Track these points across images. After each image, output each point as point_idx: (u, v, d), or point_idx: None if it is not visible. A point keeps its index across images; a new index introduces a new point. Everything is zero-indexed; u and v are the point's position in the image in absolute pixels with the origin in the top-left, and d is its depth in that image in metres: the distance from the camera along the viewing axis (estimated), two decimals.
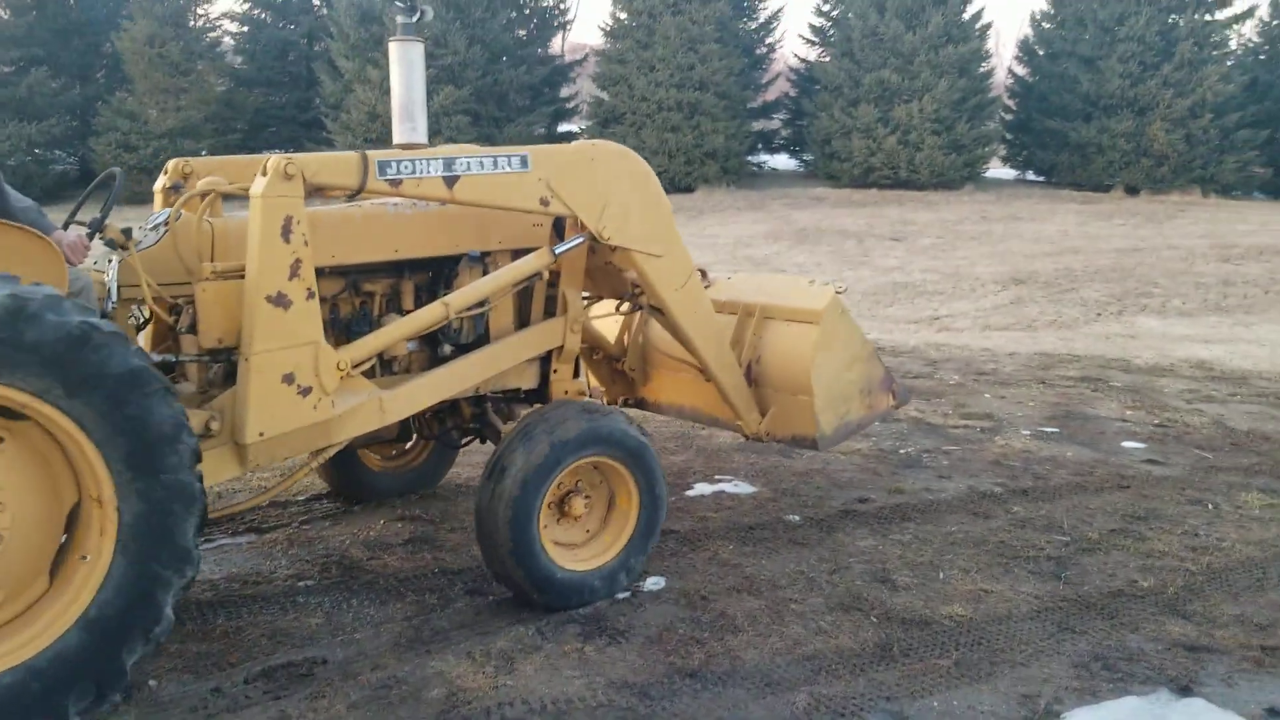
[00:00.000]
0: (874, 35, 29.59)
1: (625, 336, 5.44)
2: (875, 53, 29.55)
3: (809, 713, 3.50)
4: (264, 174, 3.63)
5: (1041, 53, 32.53)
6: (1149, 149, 28.94)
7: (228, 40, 33.29)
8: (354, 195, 3.86)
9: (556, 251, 4.47)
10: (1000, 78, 34.83)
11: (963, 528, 5.32)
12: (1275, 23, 32.28)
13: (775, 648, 3.98)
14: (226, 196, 4.07)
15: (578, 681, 3.67)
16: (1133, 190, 29.18)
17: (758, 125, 33.98)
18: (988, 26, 30.59)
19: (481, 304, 4.34)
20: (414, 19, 4.32)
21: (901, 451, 6.69)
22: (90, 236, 3.72)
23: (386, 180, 3.79)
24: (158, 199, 4.42)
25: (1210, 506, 5.73)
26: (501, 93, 28.10)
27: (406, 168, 3.82)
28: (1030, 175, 33.39)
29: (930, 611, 4.32)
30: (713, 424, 5.22)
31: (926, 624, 4.20)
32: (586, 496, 4.36)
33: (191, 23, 30.47)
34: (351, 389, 3.92)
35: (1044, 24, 32.56)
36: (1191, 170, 28.95)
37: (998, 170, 34.05)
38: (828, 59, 32.24)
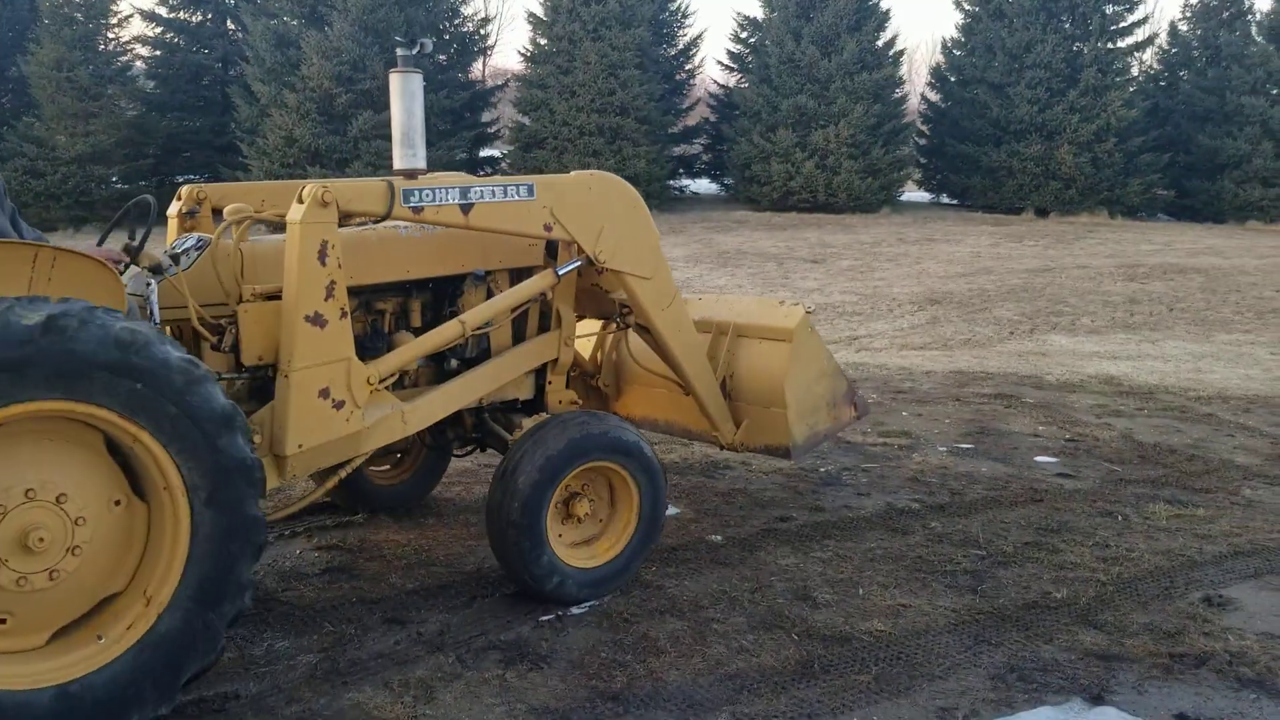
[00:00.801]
0: (791, 62, 30.09)
1: (599, 354, 5.76)
2: (792, 79, 30.04)
3: None
4: (300, 201, 3.88)
5: (953, 79, 33.35)
6: (1057, 172, 29.81)
7: (139, 64, 32.60)
8: (379, 220, 4.17)
9: (560, 272, 4.79)
10: (914, 103, 35.66)
11: (881, 544, 5.38)
12: (1174, 50, 33.57)
13: (698, 668, 3.98)
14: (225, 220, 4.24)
15: (498, 709, 3.63)
16: (1042, 212, 30.01)
17: (678, 150, 34.30)
18: (901, 53, 31.36)
19: (490, 322, 4.66)
20: (414, 52, 4.53)
21: (821, 470, 6.75)
22: (131, 260, 3.81)
23: (410, 207, 4.10)
24: (173, 224, 4.59)
25: (1120, 518, 5.88)
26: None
27: (428, 196, 4.15)
28: (945, 198, 34.17)
29: (850, 628, 4.35)
30: (685, 435, 5.56)
31: (847, 640, 4.24)
32: (591, 499, 4.63)
33: (101, 46, 29.80)
34: (378, 402, 4.18)
35: (955, 51, 33.41)
36: (1098, 193, 29.87)
37: (913, 194, 34.80)
38: (746, 85, 32.70)
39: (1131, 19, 31.42)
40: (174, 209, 4.63)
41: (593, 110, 29.17)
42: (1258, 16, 31.83)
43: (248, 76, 28.51)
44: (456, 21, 31.41)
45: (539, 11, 30.72)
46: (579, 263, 4.80)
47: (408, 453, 5.81)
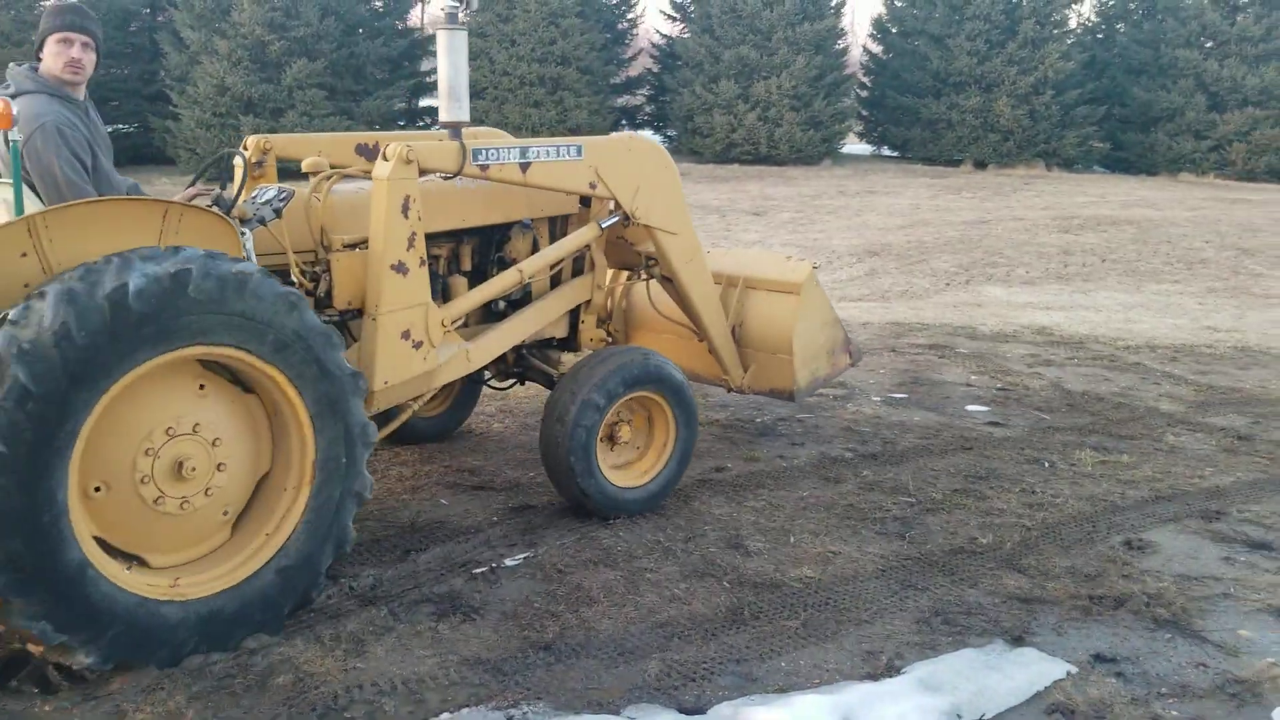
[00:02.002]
0: (733, 12, 29.88)
1: (609, 302, 6.02)
2: (734, 29, 29.85)
3: (660, 678, 3.55)
4: (386, 159, 4.25)
5: (894, 31, 33.36)
6: (995, 125, 30.02)
7: None
8: (450, 176, 4.62)
9: (603, 226, 5.27)
10: (856, 55, 35.63)
11: (814, 492, 5.45)
12: (1111, 3, 33.82)
13: (629, 617, 4.02)
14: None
15: (430, 660, 3.64)
16: (981, 164, 30.27)
17: (621, 101, 33.98)
18: (842, 4, 31.23)
19: (546, 267, 5.17)
20: (460, 9, 4.84)
21: (757, 420, 6.81)
22: (227, 213, 3.90)
23: (478, 165, 4.55)
24: (238, 173, 4.73)
25: (1047, 465, 6.01)
26: (358, 66, 27.33)
27: (493, 155, 4.59)
28: (885, 150, 34.31)
29: (780, 575, 4.42)
30: (693, 379, 5.81)
31: (777, 587, 4.30)
32: (632, 426, 5.11)
33: None
34: (448, 342, 4.63)
35: (896, 2, 33.38)
36: (1035, 145, 30.16)
37: (854, 146, 34.89)
38: (688, 35, 32.42)
39: None
40: (239, 160, 4.78)
41: (533, 60, 28.77)
42: None
43: (177, 23, 27.64)
44: None
45: None
46: (619, 218, 5.25)
47: (447, 386, 5.85)
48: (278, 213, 4.16)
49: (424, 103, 31.41)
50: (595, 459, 4.84)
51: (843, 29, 31.88)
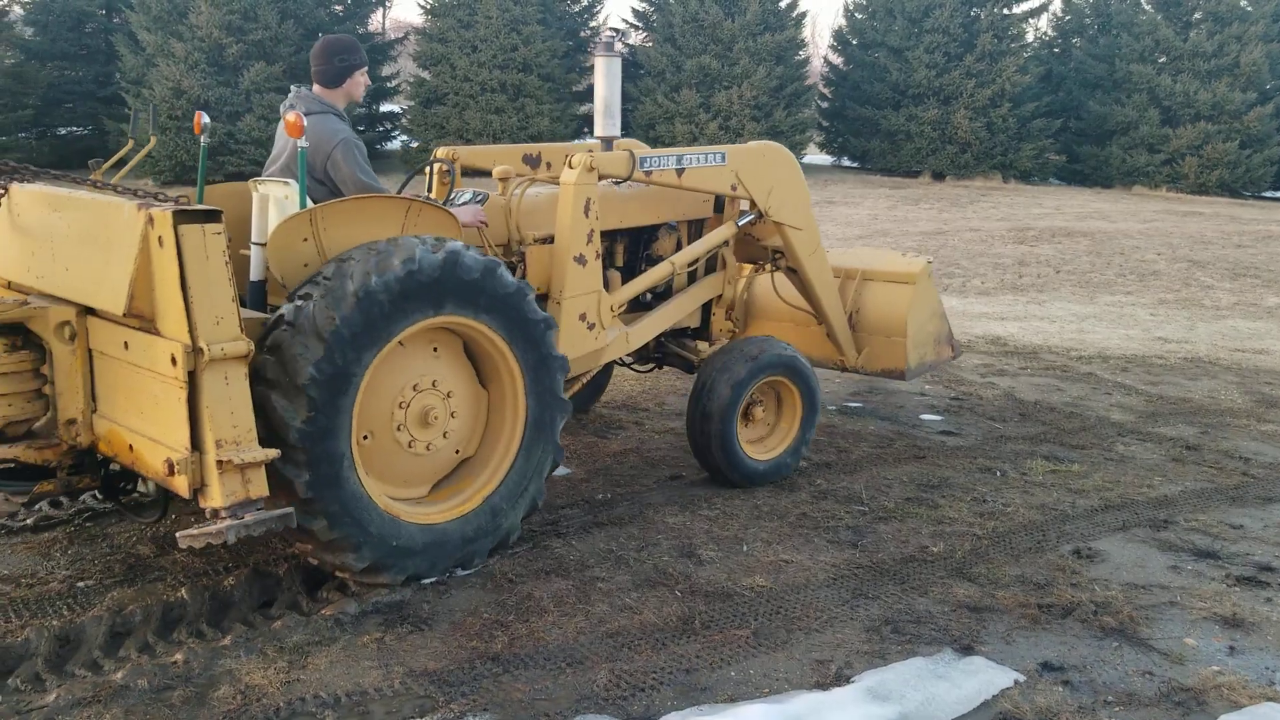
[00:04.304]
0: (695, 21, 29.95)
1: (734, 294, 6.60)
2: (696, 39, 29.92)
3: (608, 689, 3.52)
4: (571, 167, 4.95)
5: (855, 42, 33.58)
6: (953, 136, 30.27)
7: (17, 10, 30.97)
8: (619, 181, 5.36)
9: (740, 224, 5.92)
10: (817, 66, 35.83)
11: (768, 501, 5.45)
12: (1068, 17, 34.26)
13: (580, 627, 3.98)
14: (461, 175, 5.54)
15: (375, 672, 3.59)
16: (939, 176, 30.51)
17: (584, 108, 33.95)
18: (803, 15, 31.40)
19: (693, 261, 5.82)
20: (617, 38, 5.84)
21: None
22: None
23: (644, 170, 5.24)
24: (438, 179, 5.67)
25: (998, 474, 6.05)
26: None
27: (656, 162, 5.28)
28: (846, 161, 34.51)
29: (732, 584, 4.40)
30: (809, 362, 6.35)
31: (728, 596, 4.29)
32: (764, 406, 5.73)
33: None
34: (612, 325, 5.32)
35: (857, 14, 33.62)
36: (993, 157, 30.44)
37: (814, 156, 35.04)
38: (650, 44, 32.47)
39: None
40: (432, 169, 5.68)
41: (495, 66, 28.65)
42: None
43: (133, 24, 27.27)
44: None
45: None
46: (754, 216, 5.89)
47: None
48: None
49: (384, 108, 31.25)
50: (735, 434, 5.50)
51: (803, 40, 32.04)
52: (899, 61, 30.97)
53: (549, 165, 6.07)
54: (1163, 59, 30.54)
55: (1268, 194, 30.31)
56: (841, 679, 3.65)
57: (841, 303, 6.34)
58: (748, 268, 6.58)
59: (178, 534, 3.52)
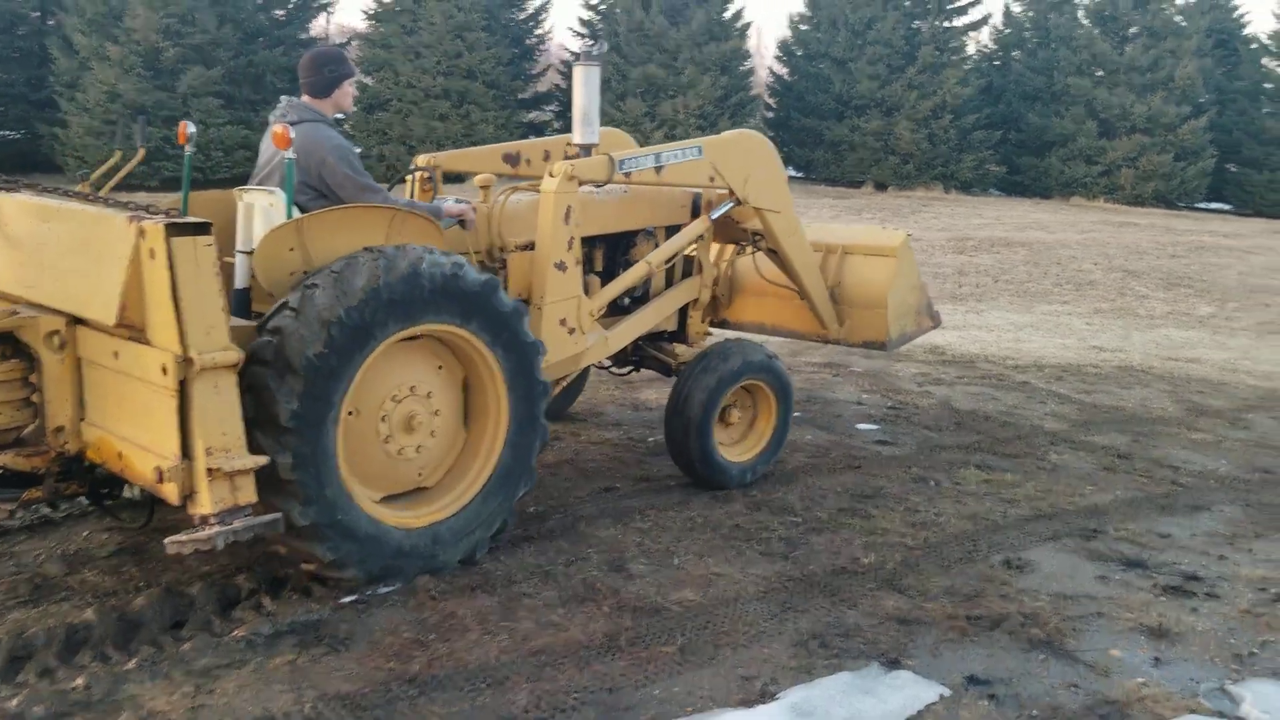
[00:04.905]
0: (640, 30, 29.98)
1: (717, 271, 6.76)
2: (641, 48, 29.93)
3: (528, 710, 3.44)
4: (552, 175, 5.06)
5: (799, 53, 33.79)
6: (896, 147, 30.55)
7: None
8: (599, 185, 5.36)
9: (713, 217, 6.03)
10: (762, 77, 36.02)
11: (702, 513, 5.39)
12: (1008, 31, 34.77)
13: (502, 645, 3.89)
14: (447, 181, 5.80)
15: (286, 696, 3.46)
16: (881, 186, 30.75)
17: (529, 116, 33.79)
18: (748, 26, 31.53)
19: (669, 260, 5.90)
20: (595, 49, 6.06)
21: (650, 440, 6.73)
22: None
23: (623, 172, 5.31)
24: (411, 188, 5.87)
25: (932, 484, 6.04)
26: (257, 75, 26.65)
27: (634, 163, 5.37)
28: (791, 171, 34.69)
29: (661, 598, 4.34)
30: (789, 336, 6.85)
31: (657, 611, 4.21)
32: (739, 409, 5.88)
33: None
34: (592, 330, 5.39)
35: (801, 25, 33.85)
36: (934, 168, 30.75)
37: None
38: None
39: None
40: (412, 176, 5.87)
41: (439, 72, 28.43)
42: (1085, 1, 33.22)
43: (67, 27, 26.68)
44: None
45: None
46: (729, 205, 5.99)
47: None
48: (461, 221, 5.07)
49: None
50: (712, 436, 5.62)
51: (748, 51, 32.19)
52: (842, 73, 31.21)
53: (529, 161, 6.21)
54: (1100, 72, 31.11)
55: (1201, 205, 30.95)
56: (766, 696, 3.59)
57: (822, 277, 6.47)
58: (730, 249, 6.79)
59: (165, 540, 3.49)
